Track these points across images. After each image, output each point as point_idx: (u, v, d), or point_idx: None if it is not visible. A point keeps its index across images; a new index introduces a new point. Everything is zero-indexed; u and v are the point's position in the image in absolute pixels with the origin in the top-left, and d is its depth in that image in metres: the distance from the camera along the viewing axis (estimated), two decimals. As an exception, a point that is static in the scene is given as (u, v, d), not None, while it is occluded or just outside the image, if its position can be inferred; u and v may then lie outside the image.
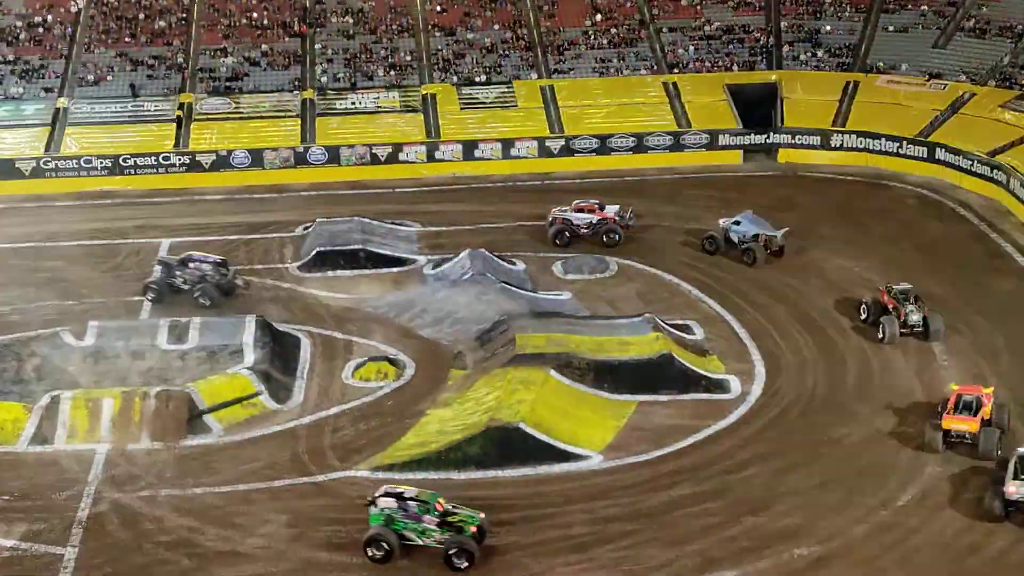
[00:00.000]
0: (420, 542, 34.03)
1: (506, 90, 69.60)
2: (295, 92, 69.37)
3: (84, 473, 38.52)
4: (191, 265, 50.30)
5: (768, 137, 66.62)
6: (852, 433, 39.75)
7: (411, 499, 34.08)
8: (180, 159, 65.38)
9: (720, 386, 42.77)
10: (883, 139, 64.75)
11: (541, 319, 46.07)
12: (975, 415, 38.16)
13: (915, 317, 45.15)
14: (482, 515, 34.28)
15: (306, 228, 57.02)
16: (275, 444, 40.13)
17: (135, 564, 34.40)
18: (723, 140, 66.46)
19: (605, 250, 53.63)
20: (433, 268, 52.27)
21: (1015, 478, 34.73)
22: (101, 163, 65.02)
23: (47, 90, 69.24)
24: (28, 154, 65.26)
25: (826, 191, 61.97)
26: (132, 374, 43.74)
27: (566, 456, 38.53)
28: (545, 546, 34.42)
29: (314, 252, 53.49)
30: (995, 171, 59.71)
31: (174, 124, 67.26)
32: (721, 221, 54.16)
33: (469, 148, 65.99)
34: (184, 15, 74.07)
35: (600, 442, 39.42)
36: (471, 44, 72.53)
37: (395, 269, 52.77)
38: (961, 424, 38.07)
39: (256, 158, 65.38)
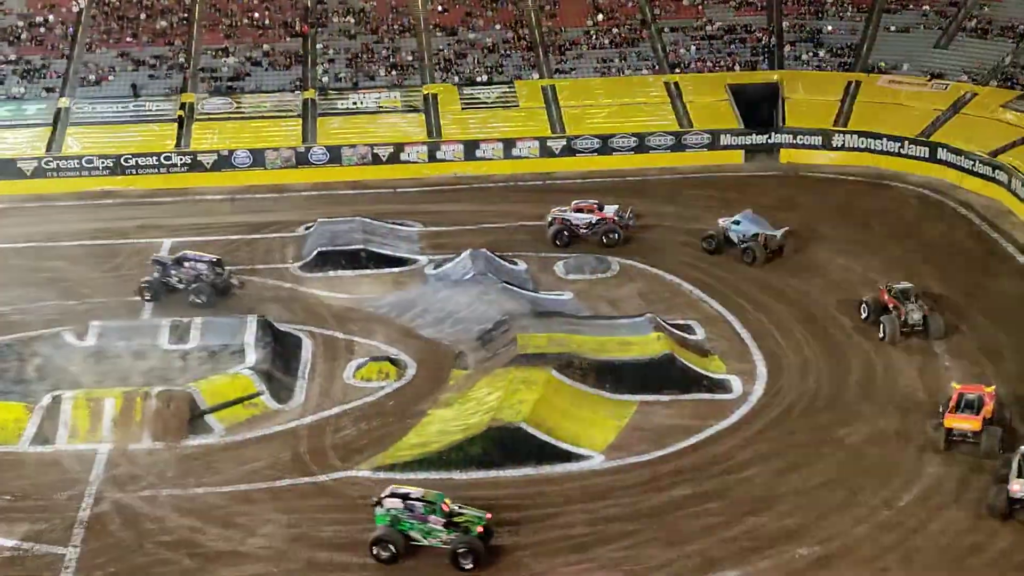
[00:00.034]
0: (426, 542, 34.02)
1: (507, 90, 69.60)
2: (296, 92, 69.38)
3: (85, 473, 38.52)
4: (186, 264, 50.29)
5: (769, 137, 66.62)
6: (854, 433, 39.71)
7: (417, 499, 34.05)
8: (181, 159, 65.41)
9: (721, 386, 42.75)
10: (884, 139, 64.74)
11: (542, 319, 46.06)
12: (977, 414, 38.12)
13: (916, 316, 45.14)
14: (488, 515, 34.23)
15: (307, 228, 57.05)
16: (276, 444, 40.12)
17: (136, 564, 34.40)
18: (724, 140, 66.45)
19: (606, 250, 53.64)
20: (434, 268, 52.28)
21: (1020, 476, 34.68)
22: (102, 163, 65.05)
23: (48, 90, 69.28)
24: (29, 154, 65.29)
25: (827, 191, 61.95)
26: (134, 374, 43.72)
27: (567, 456, 38.52)
28: (546, 546, 34.39)
29: (315, 252, 53.51)
30: (996, 171, 59.68)
31: (175, 124, 67.32)
32: (721, 220, 54.15)
33: (471, 148, 65.99)
34: (185, 15, 74.10)
35: (601, 442, 39.40)
36: (472, 44, 72.53)
37: (396, 269, 52.78)
38: (963, 423, 38.04)
39: (257, 158, 65.41)
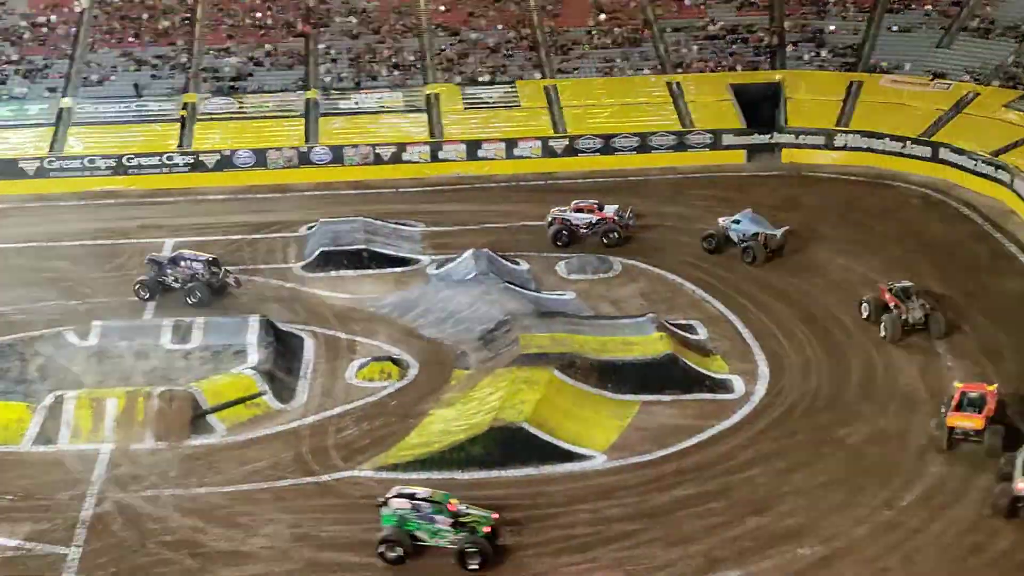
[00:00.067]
0: (432, 543, 34.01)
1: (510, 90, 69.55)
2: (299, 92, 69.31)
3: (88, 473, 38.54)
4: (182, 263, 50.24)
5: (772, 137, 66.52)
6: (855, 432, 39.71)
7: (424, 500, 34.05)
8: (184, 159, 65.38)
9: (723, 386, 42.74)
10: (887, 139, 64.61)
11: (545, 319, 46.05)
12: (980, 412, 38.09)
13: (917, 314, 45.14)
14: (495, 515, 34.20)
15: (309, 228, 57.03)
16: (279, 444, 40.13)
17: (138, 564, 34.41)
18: (727, 140, 66.33)
19: (608, 250, 53.63)
20: (437, 268, 52.27)
21: (1024, 474, 34.74)
22: (105, 163, 64.98)
23: (51, 90, 69.20)
24: (32, 154, 65.20)
25: (829, 191, 61.87)
26: (136, 374, 43.74)
27: (569, 456, 38.52)
28: (548, 546, 34.39)
29: (318, 252, 53.51)
30: (999, 171, 59.58)
31: (178, 124, 67.24)
32: (721, 220, 54.14)
33: (473, 148, 65.92)
34: (188, 15, 74.05)
35: (603, 442, 39.39)
36: (475, 44, 72.50)
37: (399, 269, 52.78)
38: (966, 421, 38.01)
39: (260, 158, 65.41)
